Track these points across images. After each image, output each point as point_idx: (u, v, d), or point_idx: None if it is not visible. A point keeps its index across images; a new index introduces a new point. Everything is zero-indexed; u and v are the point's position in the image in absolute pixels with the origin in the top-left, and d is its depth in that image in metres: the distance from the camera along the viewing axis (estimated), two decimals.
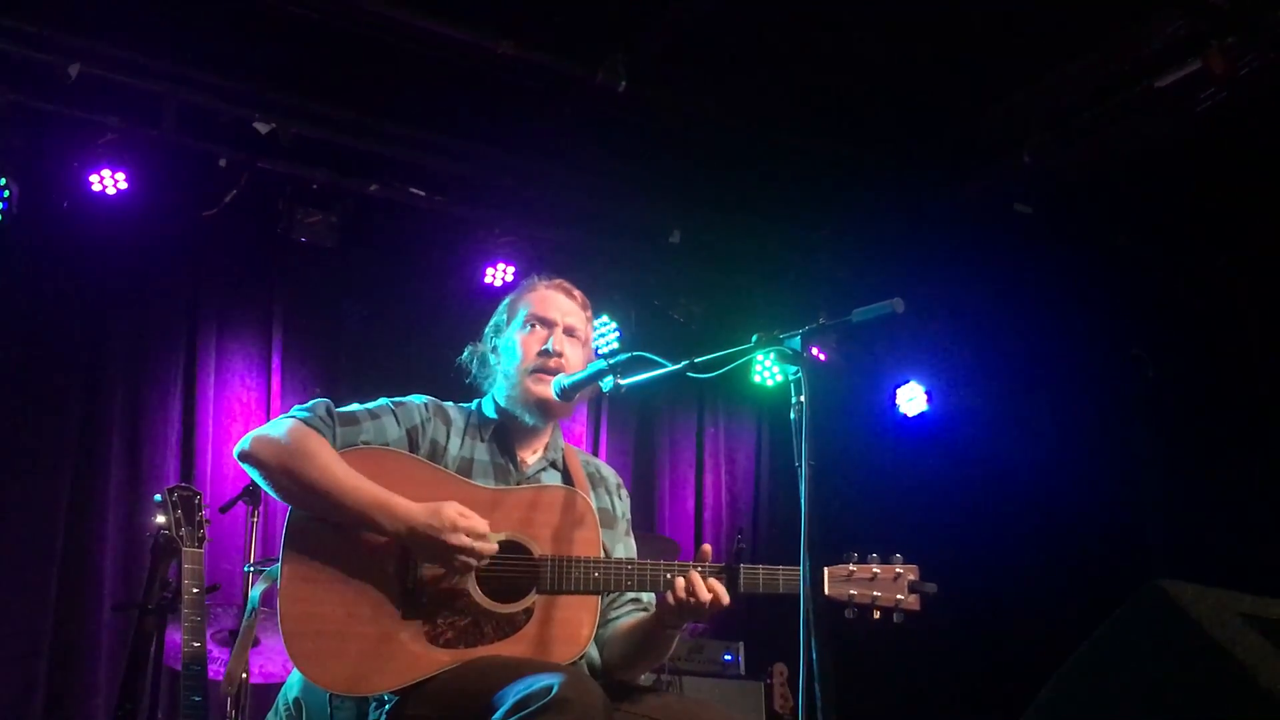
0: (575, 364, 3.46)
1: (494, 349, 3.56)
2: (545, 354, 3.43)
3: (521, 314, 3.54)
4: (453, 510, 3.07)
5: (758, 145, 7.40)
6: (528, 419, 3.45)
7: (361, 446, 3.23)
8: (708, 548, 3.22)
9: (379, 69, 6.80)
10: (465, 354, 3.65)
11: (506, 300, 3.65)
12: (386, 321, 7.75)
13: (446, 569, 3.09)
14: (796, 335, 2.94)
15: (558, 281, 3.62)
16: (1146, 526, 7.81)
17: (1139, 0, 6.23)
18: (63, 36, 6.36)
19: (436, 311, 7.68)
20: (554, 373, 3.41)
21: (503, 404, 3.48)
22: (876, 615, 3.18)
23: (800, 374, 2.86)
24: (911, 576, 3.20)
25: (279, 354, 7.40)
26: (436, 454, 3.34)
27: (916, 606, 3.19)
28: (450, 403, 3.52)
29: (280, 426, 3.19)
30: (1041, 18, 6.32)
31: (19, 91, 6.46)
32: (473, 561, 3.07)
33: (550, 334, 3.47)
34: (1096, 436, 8.11)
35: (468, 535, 3.06)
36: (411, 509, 3.08)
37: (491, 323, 3.64)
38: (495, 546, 3.10)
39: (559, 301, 3.55)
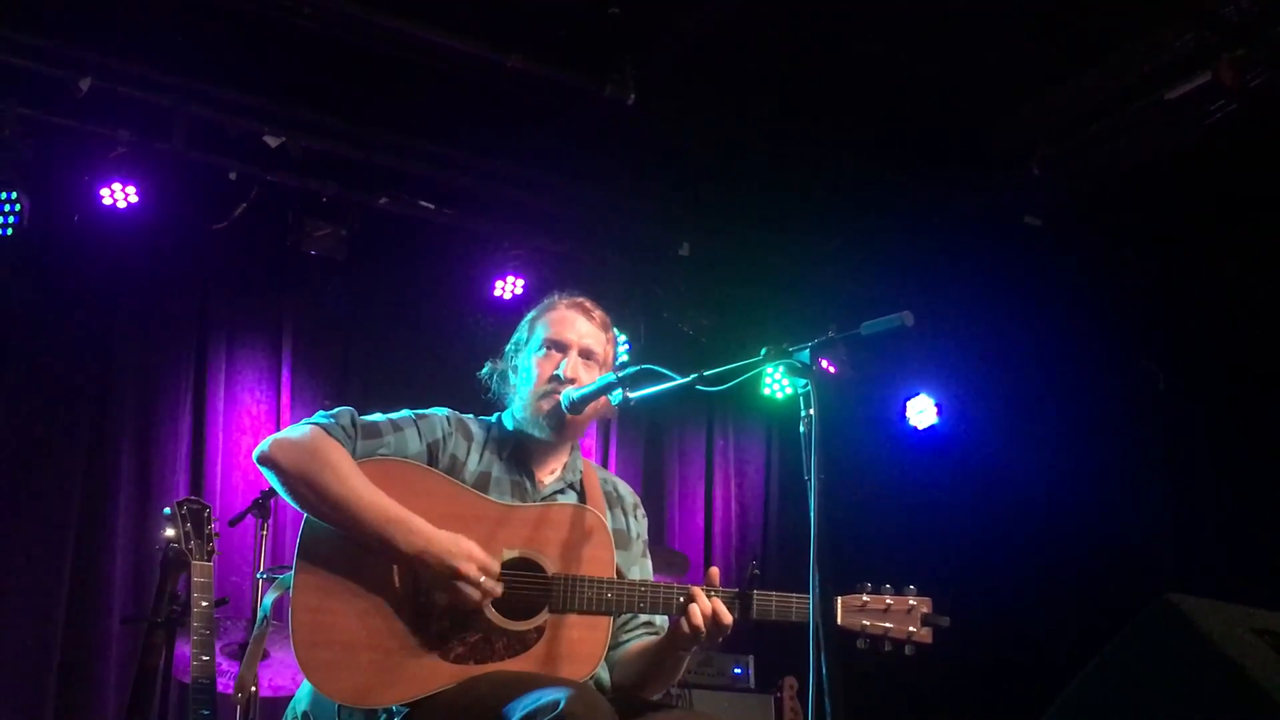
0: None
1: (514, 368, 3.54)
2: (557, 379, 3.41)
3: (539, 335, 3.50)
4: (471, 546, 3.07)
5: (767, 158, 7.40)
6: (541, 436, 3.44)
7: (379, 457, 3.22)
8: (715, 571, 3.22)
9: (389, 82, 6.81)
10: (485, 369, 3.64)
11: (528, 317, 3.61)
12: (396, 334, 7.75)
13: (451, 596, 3.09)
14: (806, 348, 2.92)
15: (578, 300, 3.57)
16: (1158, 540, 7.78)
17: (1149, 12, 6.23)
18: (74, 50, 6.37)
19: (446, 324, 7.69)
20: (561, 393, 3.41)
21: (518, 422, 3.47)
22: (888, 647, 3.18)
23: (809, 387, 2.85)
24: (925, 609, 3.19)
25: (289, 367, 7.41)
26: (455, 468, 3.33)
27: (929, 640, 3.19)
28: (470, 415, 3.51)
29: (301, 432, 3.18)
30: (1050, 30, 6.32)
31: (30, 105, 6.48)
32: (474, 595, 3.06)
33: (564, 358, 3.44)
34: (1107, 449, 8.08)
35: (480, 569, 3.06)
36: (431, 531, 3.07)
37: (512, 339, 3.60)
38: (499, 590, 3.09)
39: (576, 323, 3.50)
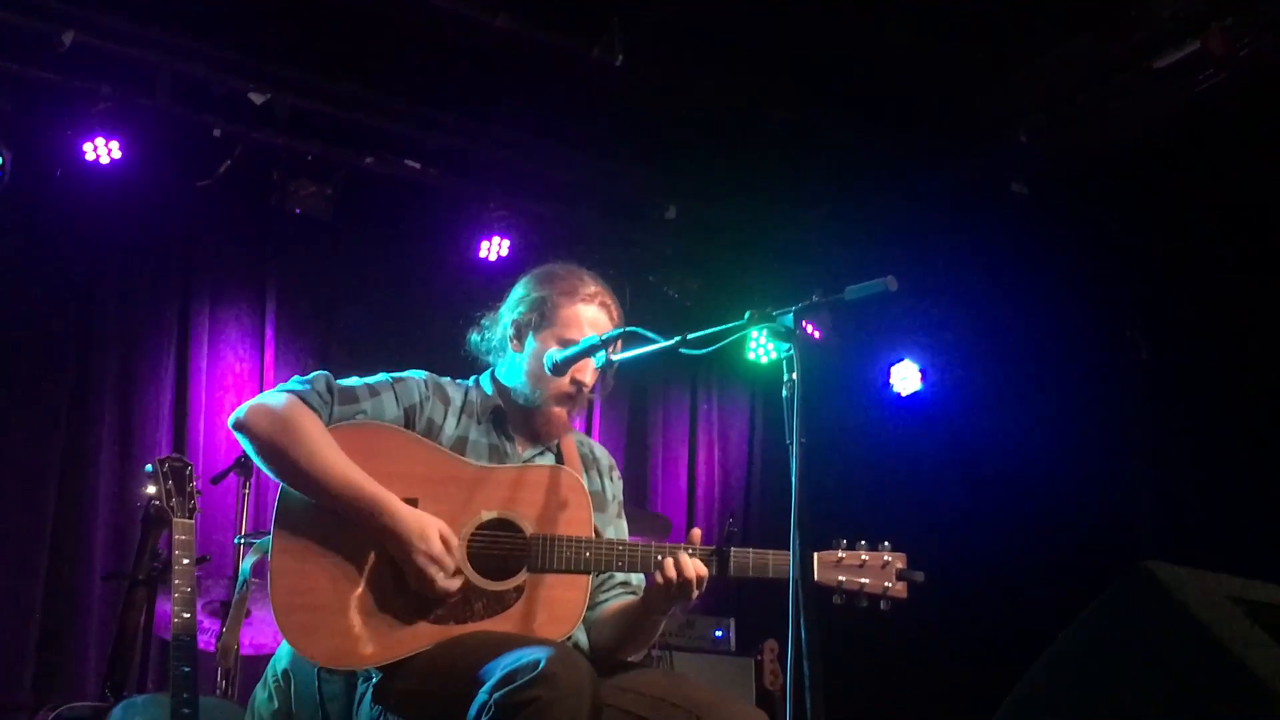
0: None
1: (516, 336, 3.46)
2: (578, 385, 3.38)
3: (563, 328, 3.39)
4: (435, 537, 3.07)
5: (754, 122, 7.37)
6: (535, 420, 3.43)
7: (356, 421, 3.21)
8: (697, 532, 3.22)
9: (375, 41, 6.76)
10: (485, 323, 3.56)
11: (545, 293, 3.45)
12: (381, 293, 7.73)
13: (410, 579, 3.09)
14: (789, 312, 2.91)
15: (604, 298, 3.47)
16: (1138, 509, 7.81)
17: None
18: (56, 3, 6.30)
19: (430, 284, 7.68)
20: (580, 401, 3.43)
21: (512, 392, 3.44)
22: (864, 603, 3.19)
23: (793, 351, 2.84)
24: (899, 564, 3.21)
25: (272, 325, 7.38)
26: (432, 433, 3.31)
27: (903, 594, 3.20)
28: (447, 379, 3.48)
29: (275, 399, 3.16)
30: None
31: (12, 59, 6.42)
32: (431, 588, 3.07)
33: (588, 364, 3.38)
34: (1089, 418, 8.11)
35: (440, 569, 3.06)
36: (400, 516, 3.07)
37: (521, 307, 3.48)
38: (456, 586, 3.09)
39: (600, 326, 3.41)
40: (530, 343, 3.43)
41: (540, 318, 3.43)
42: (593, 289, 3.48)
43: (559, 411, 3.40)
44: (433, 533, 3.07)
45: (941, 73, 6.90)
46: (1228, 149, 6.89)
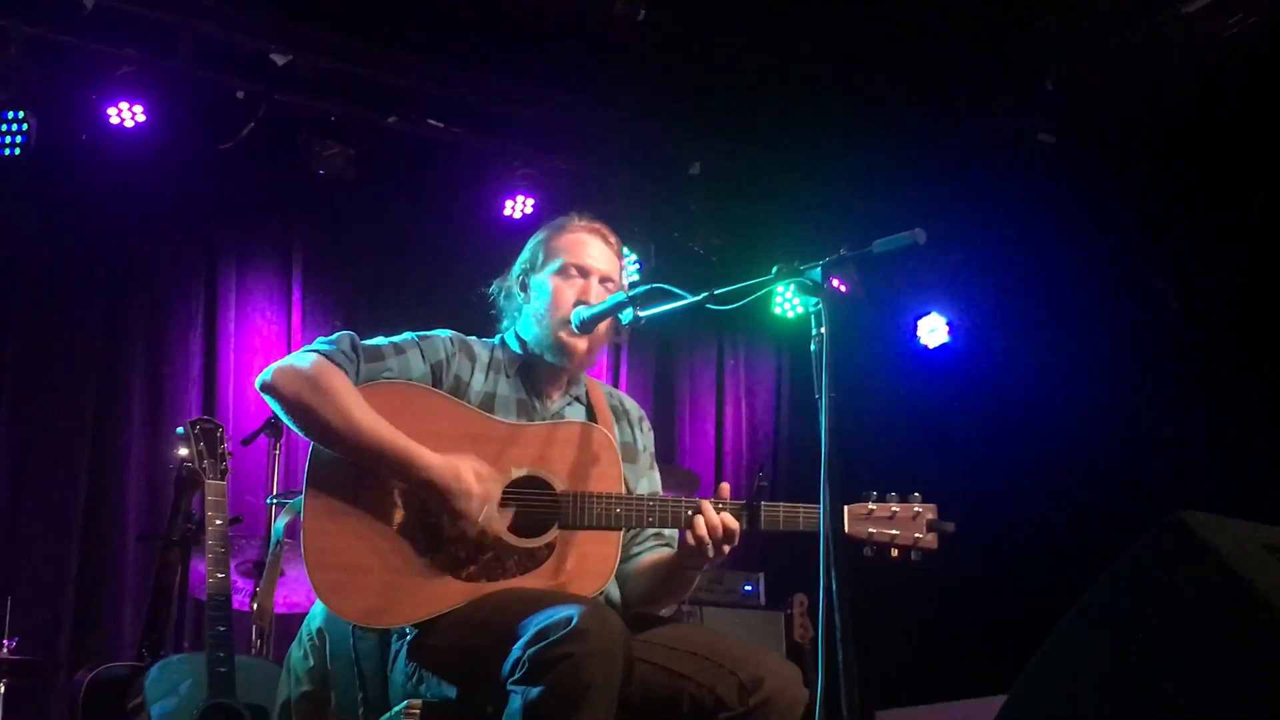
0: None
1: (523, 285, 3.48)
2: (583, 305, 3.36)
3: (558, 257, 3.42)
4: (470, 475, 3.07)
5: (779, 76, 7.33)
6: (557, 362, 3.41)
7: (384, 380, 3.22)
8: (725, 486, 3.21)
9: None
10: (494, 288, 3.58)
11: (540, 237, 3.52)
12: (406, 253, 7.74)
13: (451, 524, 3.10)
14: (817, 266, 2.90)
15: (594, 226, 3.49)
16: (1168, 459, 7.78)
17: None
18: None
19: (455, 243, 7.68)
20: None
21: (529, 344, 3.43)
22: (894, 554, 3.18)
23: (820, 305, 2.83)
24: (930, 515, 3.20)
25: (299, 286, 7.41)
26: (460, 390, 3.30)
27: (934, 545, 3.19)
28: (474, 337, 3.48)
29: (302, 360, 3.16)
30: None
31: (36, 24, 6.44)
32: (471, 531, 3.07)
33: (588, 284, 3.38)
34: (1118, 368, 8.07)
35: (478, 503, 3.06)
36: (431, 464, 3.06)
37: (522, 258, 3.53)
38: (496, 527, 3.09)
39: (596, 249, 3.44)
40: (533, 284, 3.45)
41: (540, 262, 3.47)
42: (582, 221, 3.51)
43: (573, 342, 3.37)
44: (467, 471, 3.06)
45: (967, 21, 6.84)
46: (1258, 94, 6.81)
